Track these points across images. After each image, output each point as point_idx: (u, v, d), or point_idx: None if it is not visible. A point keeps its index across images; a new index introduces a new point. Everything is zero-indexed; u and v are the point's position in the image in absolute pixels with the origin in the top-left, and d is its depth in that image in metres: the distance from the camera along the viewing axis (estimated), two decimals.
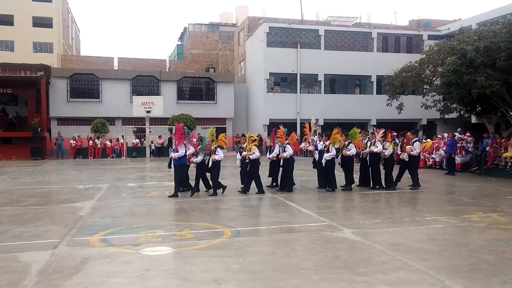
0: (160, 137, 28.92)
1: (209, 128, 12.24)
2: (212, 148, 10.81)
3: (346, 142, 11.72)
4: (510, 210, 8.64)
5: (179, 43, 54.33)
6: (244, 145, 11.38)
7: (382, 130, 12.04)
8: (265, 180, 12.10)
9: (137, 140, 29.91)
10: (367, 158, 11.99)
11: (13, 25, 41.02)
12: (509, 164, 14.61)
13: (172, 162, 10.68)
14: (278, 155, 11.47)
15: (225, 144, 11.24)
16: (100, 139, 27.90)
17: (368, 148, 11.98)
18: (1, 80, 27.27)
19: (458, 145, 16.61)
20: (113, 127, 29.68)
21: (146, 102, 26.67)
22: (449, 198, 10.35)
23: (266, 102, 30.71)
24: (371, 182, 12.05)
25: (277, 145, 11.63)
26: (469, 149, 16.92)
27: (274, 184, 12.00)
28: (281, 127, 11.82)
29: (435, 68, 23.72)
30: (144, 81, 32.09)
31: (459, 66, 16.27)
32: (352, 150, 11.59)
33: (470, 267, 4.98)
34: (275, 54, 30.54)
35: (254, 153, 10.90)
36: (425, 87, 25.63)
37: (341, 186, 11.66)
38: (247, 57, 35.63)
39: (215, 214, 8.56)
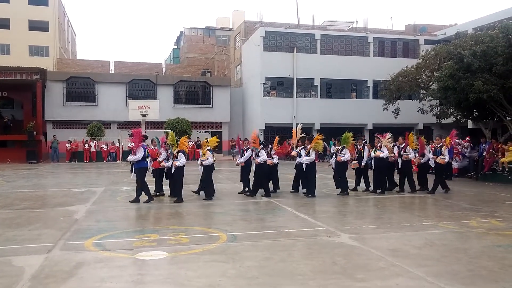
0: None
1: (169, 132, 12.00)
2: (174, 153, 10.41)
3: (340, 148, 11.65)
4: (509, 215, 8.60)
5: (175, 47, 54.31)
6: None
7: (389, 135, 11.99)
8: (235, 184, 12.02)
9: (133, 144, 29.77)
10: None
11: (9, 28, 40.87)
12: (506, 169, 14.60)
13: (133, 166, 10.31)
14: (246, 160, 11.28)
15: (187, 148, 10.76)
16: (95, 142, 27.75)
17: (373, 153, 11.93)
18: None
19: (455, 150, 16.60)
20: (109, 131, 29.55)
21: (142, 106, 26.53)
22: (447, 203, 10.31)
23: (262, 106, 30.69)
24: (372, 186, 12.04)
25: (249, 150, 11.43)
26: (466, 154, 16.89)
27: (246, 189, 11.72)
28: (254, 131, 11.80)
29: (431, 72, 23.79)
30: (140, 85, 32.00)
31: (456, 70, 16.30)
32: (346, 156, 11.53)
33: (470, 273, 4.93)
34: (271, 58, 30.55)
35: (207, 158, 10.63)
36: (421, 91, 25.69)
37: (338, 194, 11.58)
38: (243, 61, 35.64)
39: (210, 218, 8.48)
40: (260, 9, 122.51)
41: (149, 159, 10.73)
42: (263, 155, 11.13)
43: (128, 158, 10.52)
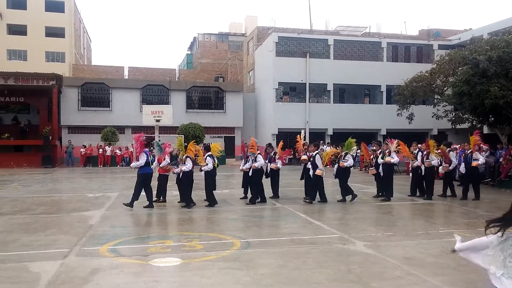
0: (169, 146, 28.97)
1: (178, 137, 11.96)
2: (183, 158, 10.41)
3: (343, 153, 11.55)
4: None
5: (189, 52, 54.72)
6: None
7: (396, 141, 11.93)
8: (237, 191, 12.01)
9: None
10: (380, 169, 11.83)
11: (26, 35, 41.62)
12: None
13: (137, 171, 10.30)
14: (250, 166, 11.17)
15: (194, 153, 10.70)
16: (110, 146, 28.03)
17: (383, 159, 11.77)
18: (14, 89, 27.61)
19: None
20: (123, 136, 29.79)
21: (156, 111, 26.71)
22: (463, 211, 10.16)
23: (275, 112, 30.67)
24: (381, 192, 11.94)
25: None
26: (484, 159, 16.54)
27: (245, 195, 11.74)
28: (252, 138, 11.79)
29: (446, 78, 23.51)
30: (154, 90, 32.27)
31: (472, 76, 16.11)
32: (349, 161, 11.42)
33: (488, 282, 4.83)
34: (284, 63, 30.55)
35: (207, 164, 10.54)
36: (436, 97, 25.40)
37: (337, 200, 11.45)
38: (256, 66, 35.72)
39: (224, 224, 8.48)
40: (273, 15, 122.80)
41: (155, 164, 10.73)
42: (260, 160, 11.04)
43: (132, 165, 10.59)
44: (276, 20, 46.76)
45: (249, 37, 39.73)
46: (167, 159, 10.85)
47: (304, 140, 12.70)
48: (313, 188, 11.08)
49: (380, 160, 11.89)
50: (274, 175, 12.08)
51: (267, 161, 11.91)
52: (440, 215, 9.69)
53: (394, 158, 11.57)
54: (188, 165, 10.26)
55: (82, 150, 27.76)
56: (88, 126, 30.58)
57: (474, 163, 11.74)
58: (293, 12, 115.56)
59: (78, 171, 24.04)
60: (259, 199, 11.08)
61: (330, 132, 30.30)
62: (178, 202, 10.92)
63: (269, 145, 12.68)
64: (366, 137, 12.71)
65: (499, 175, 15.49)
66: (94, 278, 5.00)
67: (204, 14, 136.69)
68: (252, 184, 11.18)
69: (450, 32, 35.96)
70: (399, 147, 11.85)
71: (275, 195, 11.94)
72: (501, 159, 15.72)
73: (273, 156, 11.87)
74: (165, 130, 29.55)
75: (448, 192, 12.39)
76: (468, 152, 12.01)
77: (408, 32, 42.02)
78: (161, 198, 11.15)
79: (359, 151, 17.22)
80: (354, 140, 11.79)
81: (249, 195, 11.41)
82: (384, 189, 11.84)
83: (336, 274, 5.17)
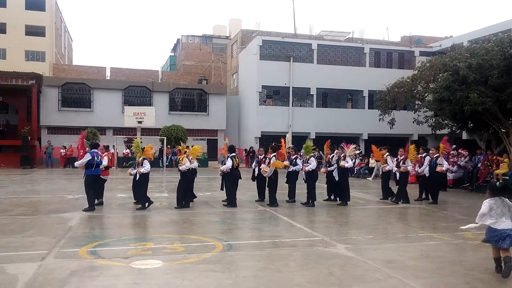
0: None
1: (135, 139, 11.93)
2: (139, 160, 10.41)
3: (308, 157, 11.62)
4: None
5: (172, 54, 54.45)
6: (222, 157, 11.30)
7: (353, 145, 12.10)
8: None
9: (128, 150, 29.67)
10: (335, 173, 11.83)
11: (6, 33, 40.81)
12: (501, 181, 14.68)
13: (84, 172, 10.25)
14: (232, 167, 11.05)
15: (151, 156, 10.77)
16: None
17: (337, 163, 11.74)
18: None
19: (451, 160, 16.68)
20: (104, 137, 29.41)
21: (138, 113, 26.48)
22: (442, 215, 10.34)
23: (258, 115, 30.73)
24: (338, 197, 11.94)
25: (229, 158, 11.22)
26: (461, 164, 16.91)
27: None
28: (226, 140, 11.77)
29: (427, 84, 23.94)
30: (136, 92, 31.99)
31: (452, 82, 16.43)
32: (311, 165, 11.46)
33: (466, 286, 4.93)
34: (268, 67, 30.66)
35: (184, 164, 10.59)
36: (417, 102, 25.82)
37: (301, 203, 11.49)
38: (239, 69, 35.75)
39: (205, 227, 8.43)
40: (257, 18, 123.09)
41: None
42: (229, 163, 10.99)
43: (76, 163, 10.64)
44: (260, 23, 47.07)
45: (233, 40, 39.75)
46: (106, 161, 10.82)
47: (289, 144, 12.65)
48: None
49: (333, 167, 11.86)
50: (270, 179, 11.41)
51: (255, 163, 11.95)
52: (419, 219, 9.83)
53: (349, 163, 11.64)
54: (146, 167, 10.26)
55: (62, 151, 27.30)
56: (68, 127, 30.11)
57: (438, 168, 12.06)
58: (277, 16, 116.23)
59: (57, 172, 23.60)
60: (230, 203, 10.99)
61: (312, 135, 30.49)
62: (134, 203, 10.86)
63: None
64: (348, 141, 12.78)
65: (477, 180, 15.83)
66: (73, 280, 4.91)
67: (188, 16, 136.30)
68: (226, 187, 11.27)
69: (431, 39, 36.65)
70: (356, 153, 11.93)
71: (272, 202, 11.16)
72: (479, 165, 16.08)
73: (263, 159, 11.70)
74: (147, 131, 29.33)
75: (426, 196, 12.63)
76: (434, 157, 12.25)
77: (391, 38, 42.57)
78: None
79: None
80: (311, 143, 12.06)
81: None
82: (340, 194, 11.86)
83: (318, 276, 5.20)
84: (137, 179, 10.36)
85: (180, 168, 10.65)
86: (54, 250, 6.29)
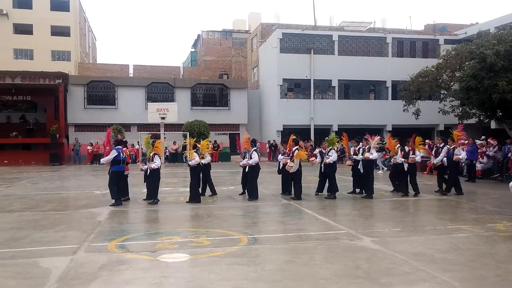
0: (174, 143, 29.08)
1: (145, 136, 12.08)
2: (150, 155, 10.46)
3: (328, 149, 11.48)
4: None
5: (193, 50, 54.71)
6: (245, 152, 11.30)
7: (378, 137, 11.88)
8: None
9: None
10: (360, 166, 11.62)
11: (32, 34, 41.83)
12: None
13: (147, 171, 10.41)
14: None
15: (161, 151, 10.90)
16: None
17: (362, 155, 11.58)
18: (21, 88, 27.80)
19: (479, 151, 16.28)
20: (129, 133, 29.90)
21: (161, 109, 26.79)
22: (471, 206, 10.10)
23: (279, 108, 30.63)
24: (364, 190, 11.71)
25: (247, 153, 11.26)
26: (490, 154, 16.46)
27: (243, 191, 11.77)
28: (246, 133, 11.68)
29: (452, 73, 23.31)
30: (159, 88, 32.36)
31: (479, 70, 15.97)
32: (332, 157, 11.34)
33: (498, 279, 4.81)
34: (288, 60, 30.47)
35: (194, 158, 10.54)
36: (442, 92, 25.22)
37: (324, 196, 11.36)
38: (260, 63, 35.67)
39: (230, 220, 8.49)
40: (277, 11, 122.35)
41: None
42: (255, 157, 11.01)
43: (102, 160, 10.78)
44: (280, 16, 46.75)
45: (253, 34, 39.66)
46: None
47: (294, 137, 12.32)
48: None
49: (359, 157, 11.68)
50: (296, 173, 11.23)
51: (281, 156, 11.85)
52: (448, 211, 9.61)
53: (373, 154, 11.46)
54: (156, 162, 10.35)
55: (89, 148, 27.89)
56: (94, 124, 30.71)
57: (455, 157, 11.78)
58: (297, 8, 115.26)
59: (85, 168, 24.17)
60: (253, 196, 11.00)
61: (335, 128, 30.22)
62: (144, 199, 10.89)
63: (284, 141, 12.20)
64: (372, 133, 12.61)
65: (507, 170, 15.39)
66: (103, 274, 5.03)
67: (207, 12, 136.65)
68: (248, 180, 11.23)
69: (456, 27, 35.71)
70: (381, 144, 11.73)
71: (297, 196, 11.06)
72: (509, 154, 15.60)
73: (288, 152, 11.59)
74: (170, 127, 29.65)
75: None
76: (451, 148, 11.95)
77: (414, 27, 41.71)
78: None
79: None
80: (334, 136, 11.84)
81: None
82: (365, 186, 11.66)
83: (344, 270, 5.16)
84: (147, 174, 10.49)
85: (190, 163, 10.67)
86: (84, 244, 6.45)
